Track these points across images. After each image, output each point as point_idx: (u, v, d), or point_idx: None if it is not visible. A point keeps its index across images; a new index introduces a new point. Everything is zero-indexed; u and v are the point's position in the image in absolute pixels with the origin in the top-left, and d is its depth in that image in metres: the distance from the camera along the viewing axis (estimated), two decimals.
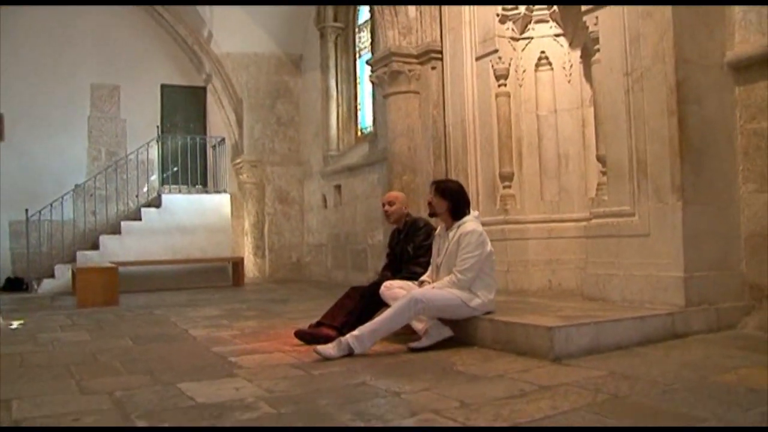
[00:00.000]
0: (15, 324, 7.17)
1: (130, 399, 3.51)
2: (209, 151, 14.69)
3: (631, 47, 5.53)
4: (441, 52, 8.18)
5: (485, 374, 3.92)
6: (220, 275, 13.24)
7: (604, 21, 5.82)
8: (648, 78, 5.37)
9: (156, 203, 13.29)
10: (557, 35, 7.19)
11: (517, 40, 7.25)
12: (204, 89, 14.92)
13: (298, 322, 6.11)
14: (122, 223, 12.79)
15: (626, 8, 5.56)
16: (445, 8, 7.97)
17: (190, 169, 14.02)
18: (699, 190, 5.20)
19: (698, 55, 5.31)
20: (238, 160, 14.24)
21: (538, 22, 7.21)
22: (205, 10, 13.29)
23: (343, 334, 4.70)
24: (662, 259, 5.22)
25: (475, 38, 7.46)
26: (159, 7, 14.01)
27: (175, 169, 14.21)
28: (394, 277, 5.51)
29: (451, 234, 4.97)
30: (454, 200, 5.01)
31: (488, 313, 4.96)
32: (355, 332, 4.61)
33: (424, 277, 5.25)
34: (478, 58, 7.42)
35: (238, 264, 13.24)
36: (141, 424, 3.02)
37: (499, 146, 7.22)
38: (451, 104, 7.89)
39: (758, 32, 5.21)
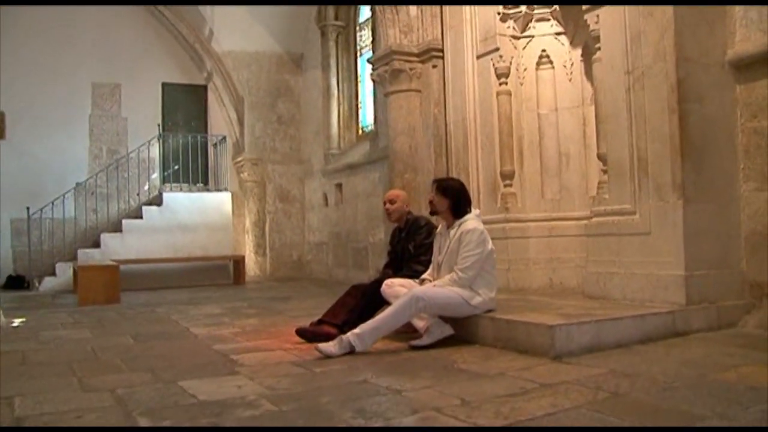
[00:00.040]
0: (17, 322, 7.18)
1: (132, 396, 3.51)
2: (210, 150, 14.70)
3: (632, 45, 5.53)
4: (442, 51, 8.19)
5: (486, 372, 3.93)
6: (221, 273, 13.26)
7: (605, 19, 5.83)
8: (649, 76, 5.38)
9: (157, 201, 13.30)
10: (558, 33, 7.20)
11: (518, 38, 7.25)
12: (205, 87, 14.94)
13: (299, 320, 6.12)
14: (123, 221, 12.80)
15: (627, 7, 5.56)
16: (446, 7, 7.98)
17: (191, 167, 14.02)
18: (700, 189, 5.21)
19: (699, 53, 5.32)
20: (239, 159, 14.25)
21: (539, 20, 7.22)
22: (206, 9, 13.29)
23: (345, 332, 4.71)
24: (663, 258, 5.23)
25: (476, 36, 7.46)
26: (160, 6, 14.03)
27: (176, 167, 14.22)
28: (395, 275, 5.51)
29: (452, 232, 4.98)
30: (455, 199, 5.02)
31: (489, 311, 4.97)
32: (357, 330, 4.62)
33: (425, 276, 5.26)
34: (479, 57, 7.42)
35: (239, 262, 13.25)
36: (143, 421, 3.02)
37: (500, 144, 7.23)
38: (452, 102, 7.89)
39: (759, 30, 5.21)
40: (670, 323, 4.87)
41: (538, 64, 7.27)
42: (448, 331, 4.86)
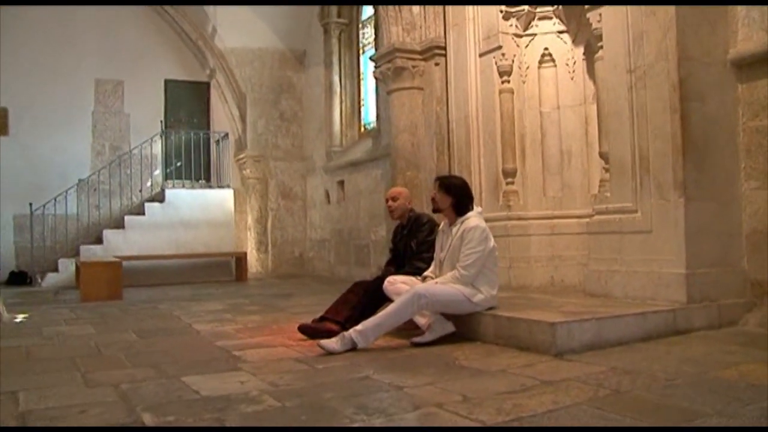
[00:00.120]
0: (20, 317, 7.21)
1: (136, 392, 3.53)
2: (212, 146, 14.71)
3: (634, 44, 5.54)
4: (444, 49, 8.20)
5: (488, 369, 3.94)
6: (223, 270, 13.29)
7: (607, 18, 5.84)
8: (651, 75, 5.39)
9: (159, 198, 13.33)
10: (561, 32, 7.21)
11: (521, 36, 7.26)
12: (207, 84, 14.97)
13: (301, 316, 6.14)
14: (126, 217, 12.83)
15: (630, 6, 5.57)
16: (449, 5, 7.98)
17: (193, 164, 14.05)
18: (701, 187, 5.22)
19: (701, 52, 5.32)
20: (242, 155, 14.27)
21: (541, 18, 7.23)
22: (209, 6, 13.31)
23: (347, 329, 4.73)
24: (664, 256, 5.24)
25: (478, 35, 7.47)
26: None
27: (179, 164, 14.26)
28: (397, 272, 5.53)
29: (454, 230, 4.99)
30: (457, 196, 5.03)
31: (491, 308, 4.98)
32: (359, 327, 4.64)
33: (427, 273, 5.27)
34: (481, 55, 7.43)
35: (241, 259, 13.28)
36: (146, 416, 3.04)
37: (502, 142, 7.24)
38: (454, 100, 7.90)
39: (761, 30, 5.22)
40: (671, 321, 4.88)
41: (541, 62, 7.28)
42: (449, 328, 4.87)
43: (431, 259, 5.37)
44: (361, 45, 13.10)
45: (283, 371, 4.02)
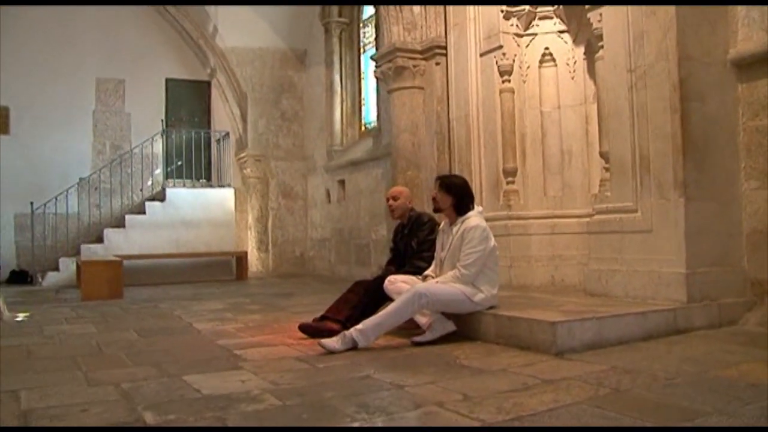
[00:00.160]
0: (21, 316, 7.22)
1: (137, 390, 3.54)
2: (213, 146, 14.72)
3: (634, 44, 5.55)
4: (445, 48, 8.21)
5: (488, 368, 3.95)
6: (224, 269, 13.30)
7: (607, 18, 5.85)
8: (651, 75, 5.39)
9: (160, 197, 13.33)
10: (561, 32, 7.22)
11: (522, 36, 7.27)
12: (208, 83, 14.98)
13: (301, 316, 6.15)
14: (126, 216, 12.84)
15: (630, 6, 5.58)
16: (450, 5, 7.99)
17: (194, 163, 14.08)
18: (701, 187, 5.23)
19: (701, 52, 5.33)
20: (242, 155, 14.28)
21: (542, 18, 7.24)
22: (210, 5, 13.31)
23: (347, 328, 4.73)
24: (664, 255, 5.25)
25: (479, 34, 7.48)
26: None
27: (180, 163, 14.27)
28: (397, 271, 5.54)
29: (455, 229, 5.00)
30: (458, 196, 5.03)
31: (491, 307, 4.99)
32: (359, 326, 4.64)
33: (427, 272, 5.28)
34: (482, 54, 7.44)
35: (241, 258, 13.29)
36: (148, 415, 3.05)
37: (502, 142, 7.25)
38: (455, 100, 7.91)
39: (761, 30, 5.23)
40: (672, 320, 4.89)
41: (541, 62, 7.29)
42: (450, 327, 4.88)
43: (432, 258, 5.37)
44: (361, 44, 13.10)
45: (284, 370, 4.02)
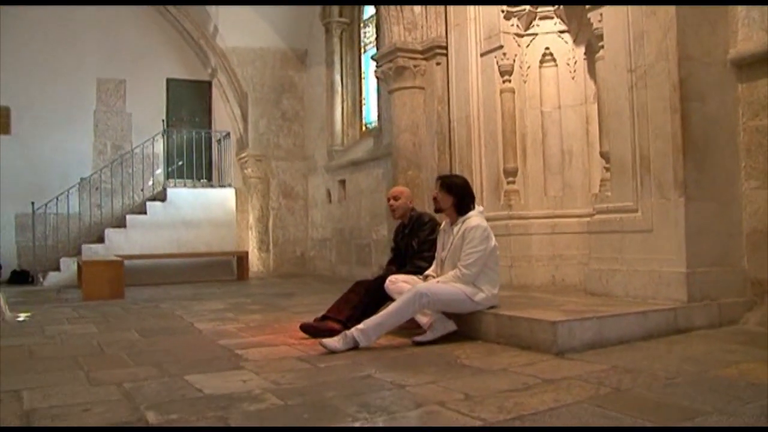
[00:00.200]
0: (22, 316, 7.23)
1: (139, 390, 3.55)
2: (214, 146, 14.72)
3: (634, 44, 5.56)
4: (446, 48, 8.21)
5: (489, 368, 3.96)
6: (225, 269, 13.31)
7: (608, 18, 5.86)
8: (651, 75, 5.40)
9: (161, 197, 13.34)
10: (562, 32, 7.23)
11: (522, 36, 7.28)
12: (209, 83, 14.97)
13: (302, 316, 6.16)
14: (127, 216, 12.84)
15: (630, 6, 5.59)
16: (451, 5, 8.00)
17: (195, 163, 14.08)
18: (701, 187, 5.24)
19: (701, 52, 5.34)
20: (243, 155, 14.29)
21: (542, 18, 7.25)
22: (211, 5, 13.33)
23: (348, 328, 4.74)
24: (665, 255, 5.26)
25: (480, 34, 7.49)
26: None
27: (180, 163, 14.27)
28: (398, 271, 5.55)
29: (455, 229, 5.00)
30: (459, 195, 5.04)
31: (492, 307, 5.00)
32: (361, 326, 4.65)
33: (428, 272, 5.29)
34: (482, 54, 7.45)
35: (242, 258, 13.30)
36: (150, 414, 3.05)
37: (503, 142, 7.26)
38: (455, 100, 7.92)
39: (761, 30, 5.24)
40: (672, 320, 4.90)
41: (542, 62, 7.30)
42: (451, 327, 4.89)
43: (433, 258, 5.38)
44: (362, 44, 13.11)
45: (286, 370, 4.03)
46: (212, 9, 13.37)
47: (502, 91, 7.26)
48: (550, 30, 7.25)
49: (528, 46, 7.30)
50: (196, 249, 12.99)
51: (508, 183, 7.25)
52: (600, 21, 5.96)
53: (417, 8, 8.66)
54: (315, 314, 5.62)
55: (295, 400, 3.28)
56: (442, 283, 4.90)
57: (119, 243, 12.34)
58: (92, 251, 11.97)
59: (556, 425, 2.79)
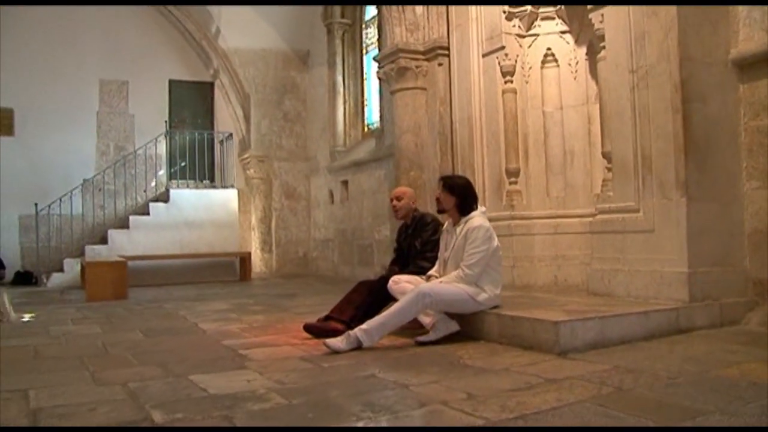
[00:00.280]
0: (27, 317, 7.26)
1: (144, 390, 3.57)
2: (217, 147, 14.76)
3: (636, 45, 5.57)
4: (448, 49, 8.22)
5: (492, 367, 3.98)
6: (228, 270, 13.33)
7: (609, 19, 5.87)
8: (653, 75, 5.42)
9: (164, 198, 13.37)
10: (563, 32, 7.23)
11: (524, 36, 7.29)
12: (211, 85, 15.01)
13: (305, 316, 6.18)
14: (130, 217, 12.88)
15: (631, 6, 5.60)
16: (452, 5, 8.02)
17: (197, 164, 14.11)
18: (703, 187, 5.25)
19: (702, 53, 5.35)
20: (246, 156, 14.32)
21: (544, 19, 7.25)
22: (213, 6, 13.35)
23: (351, 328, 4.76)
24: (666, 255, 5.27)
25: (481, 35, 7.51)
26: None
27: (183, 164, 14.31)
28: (401, 271, 5.56)
29: (458, 229, 5.02)
30: (461, 196, 5.06)
31: (495, 307, 5.01)
32: (364, 326, 4.67)
33: (431, 272, 5.30)
34: (484, 55, 7.47)
35: (245, 259, 13.32)
36: (156, 414, 3.08)
37: (505, 142, 7.27)
38: (457, 100, 7.94)
39: (762, 30, 5.25)
40: (674, 320, 4.91)
41: (543, 62, 7.31)
42: (453, 327, 4.90)
43: (435, 258, 5.40)
44: (364, 45, 13.14)
45: (289, 370, 4.05)
46: (214, 10, 13.39)
47: (503, 92, 7.27)
48: (551, 30, 7.26)
49: (530, 46, 7.31)
50: (199, 250, 13.02)
51: (511, 183, 7.27)
52: (601, 21, 5.97)
53: (419, 9, 8.67)
54: (318, 315, 5.64)
55: (300, 399, 3.30)
56: (444, 283, 4.92)
57: (122, 244, 12.37)
58: (95, 252, 12.01)
59: (559, 425, 2.81)
